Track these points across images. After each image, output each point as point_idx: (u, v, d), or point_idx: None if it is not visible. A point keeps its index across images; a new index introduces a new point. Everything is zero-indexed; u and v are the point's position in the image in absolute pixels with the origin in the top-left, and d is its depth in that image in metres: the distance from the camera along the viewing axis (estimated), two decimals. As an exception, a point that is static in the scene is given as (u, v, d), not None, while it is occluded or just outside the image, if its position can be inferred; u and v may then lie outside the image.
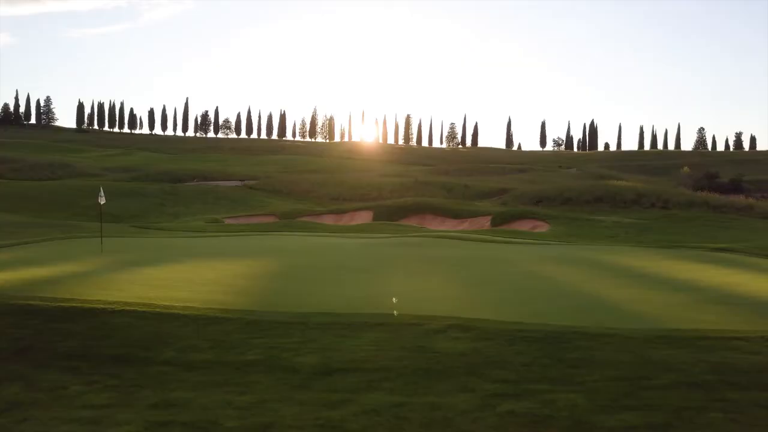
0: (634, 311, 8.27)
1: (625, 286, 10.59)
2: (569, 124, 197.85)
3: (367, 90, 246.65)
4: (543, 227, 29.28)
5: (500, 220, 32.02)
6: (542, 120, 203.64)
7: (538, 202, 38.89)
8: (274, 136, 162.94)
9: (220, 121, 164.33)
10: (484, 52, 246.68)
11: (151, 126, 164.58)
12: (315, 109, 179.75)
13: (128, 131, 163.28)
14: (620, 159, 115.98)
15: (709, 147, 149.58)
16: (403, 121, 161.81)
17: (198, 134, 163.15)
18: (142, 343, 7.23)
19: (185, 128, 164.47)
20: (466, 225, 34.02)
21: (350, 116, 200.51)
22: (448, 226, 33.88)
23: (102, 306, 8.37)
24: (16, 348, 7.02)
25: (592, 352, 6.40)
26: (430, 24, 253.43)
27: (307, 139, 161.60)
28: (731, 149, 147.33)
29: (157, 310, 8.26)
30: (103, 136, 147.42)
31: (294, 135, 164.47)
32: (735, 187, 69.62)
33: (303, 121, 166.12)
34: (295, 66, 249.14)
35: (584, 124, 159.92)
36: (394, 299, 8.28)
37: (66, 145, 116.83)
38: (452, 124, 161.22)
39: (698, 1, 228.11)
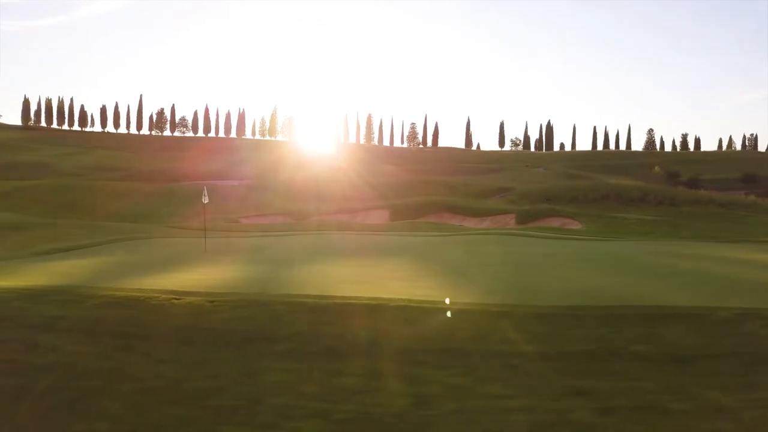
0: None
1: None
2: (527, 124, 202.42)
3: (327, 89, 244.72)
4: (574, 224, 30.15)
5: (526, 217, 32.76)
6: (501, 120, 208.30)
7: (547, 200, 40.01)
8: (233, 135, 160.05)
9: (177, 119, 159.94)
10: (444, 53, 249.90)
11: (104, 124, 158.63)
12: (275, 108, 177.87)
13: (79, 129, 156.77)
14: (581, 159, 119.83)
15: (658, 147, 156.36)
16: (365, 120, 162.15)
17: (153, 132, 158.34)
18: (469, 337, 7.35)
19: (139, 126, 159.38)
20: (487, 223, 34.61)
21: (311, 115, 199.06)
22: (470, 224, 34.39)
23: (367, 302, 8.38)
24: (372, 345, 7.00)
25: None
26: (390, 24, 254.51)
27: (267, 138, 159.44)
28: (678, 149, 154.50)
29: (420, 305, 8.33)
30: (53, 134, 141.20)
31: (253, 134, 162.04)
32: (694, 185, 73.35)
33: (263, 119, 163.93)
34: (253, 64, 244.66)
35: (540, 125, 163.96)
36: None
37: (15, 143, 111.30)
38: (413, 123, 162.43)
39: (645, 7, 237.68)
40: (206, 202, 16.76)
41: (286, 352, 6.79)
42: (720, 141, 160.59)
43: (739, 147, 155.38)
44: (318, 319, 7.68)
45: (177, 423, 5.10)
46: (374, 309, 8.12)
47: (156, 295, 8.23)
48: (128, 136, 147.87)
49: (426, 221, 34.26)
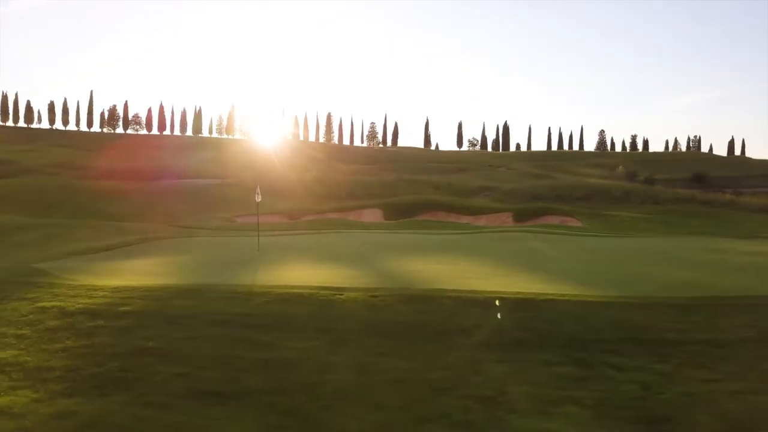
0: None
1: None
2: (484, 125, 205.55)
3: (285, 88, 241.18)
4: (574, 222, 31.06)
5: (523, 215, 33.54)
6: (459, 121, 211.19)
7: (536, 199, 41.09)
8: (189, 133, 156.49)
9: (130, 117, 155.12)
10: (402, 54, 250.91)
11: (52, 120, 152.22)
12: (233, 106, 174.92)
13: (24, 125, 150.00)
14: (539, 159, 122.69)
15: (609, 148, 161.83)
16: (324, 119, 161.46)
17: (105, 130, 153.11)
18: (636, 327, 7.80)
19: (90, 123, 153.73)
20: (483, 221, 35.24)
21: (269, 114, 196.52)
22: (468, 222, 34.97)
23: (521, 297, 8.73)
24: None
25: None
26: (349, 24, 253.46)
27: (225, 136, 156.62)
28: (628, 150, 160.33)
29: (570, 299, 8.75)
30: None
31: (210, 132, 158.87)
32: (652, 184, 76.54)
33: (220, 117, 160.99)
34: (210, 62, 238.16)
35: (497, 125, 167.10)
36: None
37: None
38: (372, 123, 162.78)
39: (598, 10, 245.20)
40: (259, 200, 16.67)
41: (483, 344, 7.04)
42: (666, 142, 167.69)
43: (684, 148, 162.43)
44: (487, 313, 7.97)
45: (457, 412, 5.30)
46: (527, 303, 8.46)
47: (315, 291, 8.32)
48: (79, 134, 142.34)
49: (424, 219, 34.68)
